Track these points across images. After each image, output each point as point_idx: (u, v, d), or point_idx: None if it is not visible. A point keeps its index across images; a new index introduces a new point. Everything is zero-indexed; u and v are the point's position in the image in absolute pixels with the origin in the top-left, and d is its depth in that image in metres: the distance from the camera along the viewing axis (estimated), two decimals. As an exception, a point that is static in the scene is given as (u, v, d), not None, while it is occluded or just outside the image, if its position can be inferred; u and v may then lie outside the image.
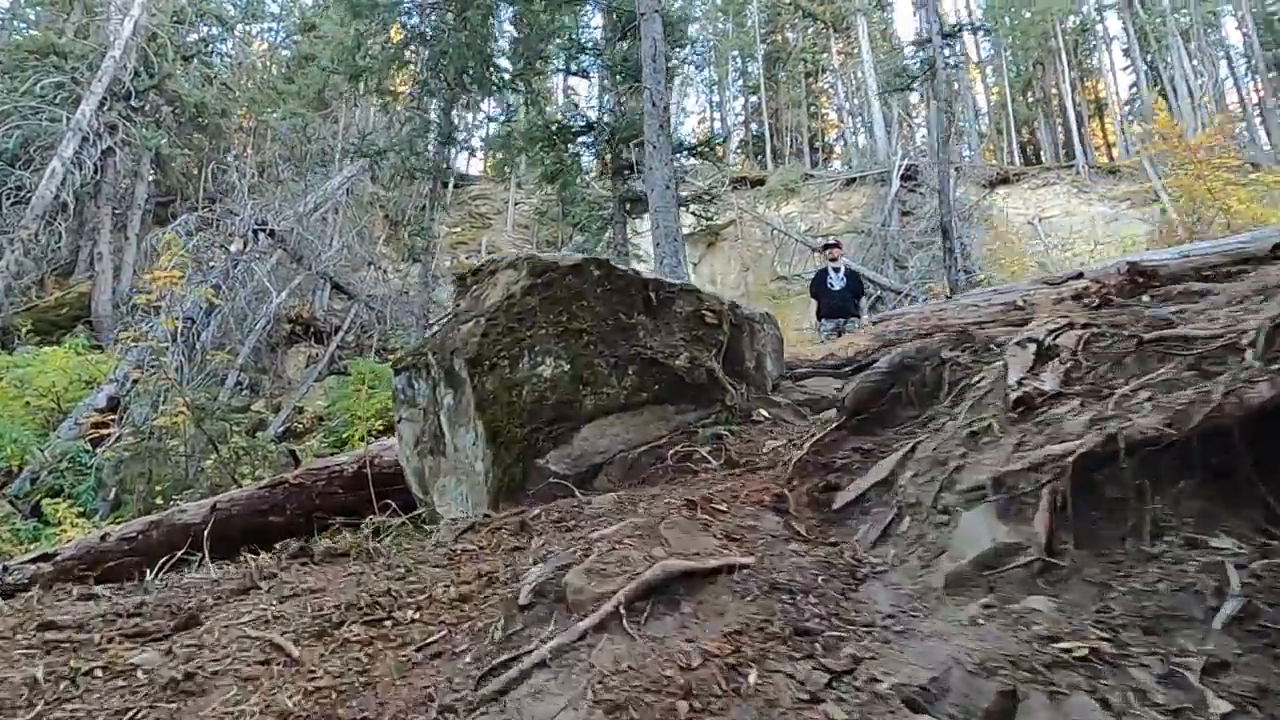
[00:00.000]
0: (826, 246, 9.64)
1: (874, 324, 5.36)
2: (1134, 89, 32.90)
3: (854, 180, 29.10)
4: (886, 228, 26.43)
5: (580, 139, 14.52)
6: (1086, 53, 35.15)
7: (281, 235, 18.58)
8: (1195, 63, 29.98)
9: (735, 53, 38.71)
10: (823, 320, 9.24)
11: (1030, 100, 34.31)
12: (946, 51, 11.43)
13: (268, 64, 30.28)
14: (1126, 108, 31.50)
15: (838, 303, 9.16)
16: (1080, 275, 4.47)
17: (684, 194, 15.21)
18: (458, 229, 30.10)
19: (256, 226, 15.84)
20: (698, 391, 3.07)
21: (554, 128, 13.84)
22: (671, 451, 2.75)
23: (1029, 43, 31.57)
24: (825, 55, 35.26)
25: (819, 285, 9.40)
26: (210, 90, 24.63)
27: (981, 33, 31.48)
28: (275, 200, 19.97)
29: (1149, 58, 30.95)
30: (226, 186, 24.46)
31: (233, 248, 16.40)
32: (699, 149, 14.25)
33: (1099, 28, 32.50)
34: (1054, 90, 34.65)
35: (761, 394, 3.42)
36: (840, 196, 29.61)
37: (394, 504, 3.76)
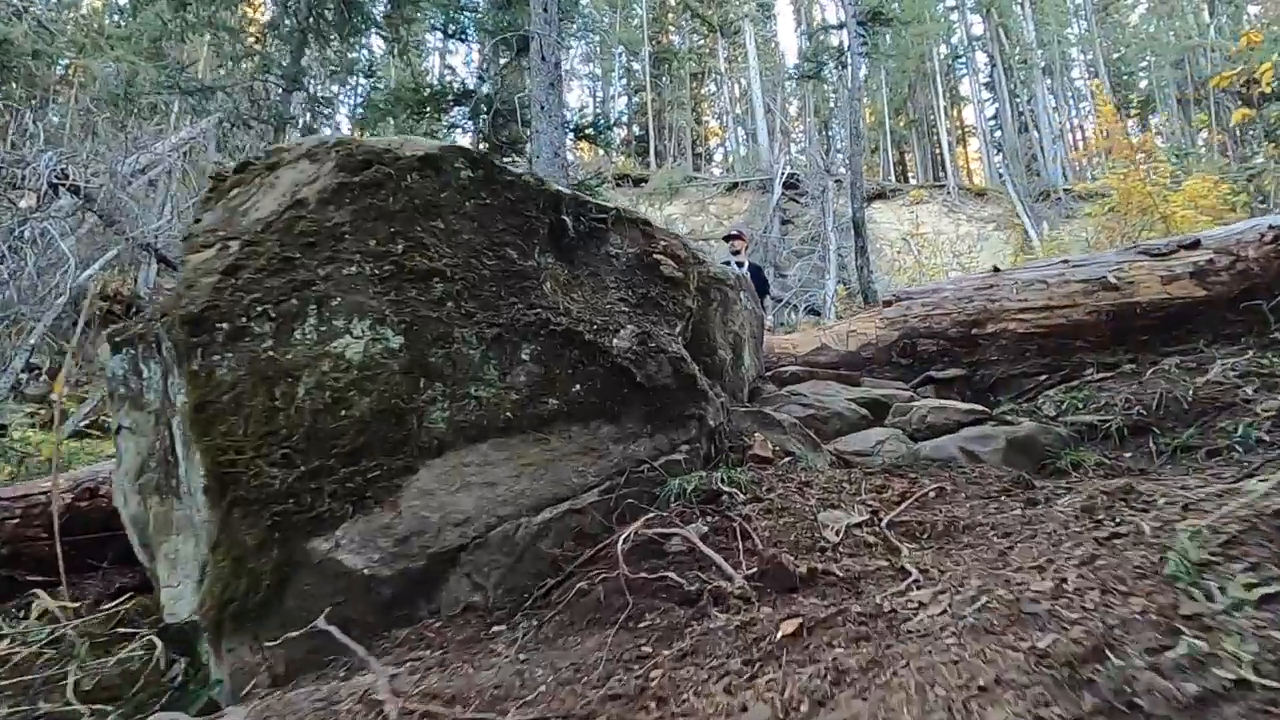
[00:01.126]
0: (729, 237, 8.49)
1: (887, 304, 4.17)
2: (995, 120, 34.48)
3: (737, 185, 28.71)
4: (768, 234, 26.05)
5: (457, 108, 12.75)
6: (956, 81, 36.61)
7: (89, 194, 15.63)
8: (1053, 99, 31.72)
9: (620, 49, 37.68)
10: (730, 317, 8.17)
11: (905, 122, 35.31)
12: (860, 41, 10.75)
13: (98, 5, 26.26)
14: (997, 134, 32.88)
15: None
16: (1196, 243, 3.36)
17: (570, 179, 13.75)
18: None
19: (55, 180, 12.95)
20: (654, 399, 1.74)
21: (426, 92, 12.02)
22: (621, 537, 1.37)
23: (906, 65, 32.36)
24: (712, 59, 34.83)
25: (724, 276, 8.33)
26: (19, 27, 20.76)
27: (886, 27, 31.92)
28: (84, 155, 16.83)
29: (1012, 87, 32.44)
30: (30, 138, 20.71)
31: (22, 204, 13.43)
32: (586, 131, 12.85)
33: (966, 58, 33.83)
34: (928, 113, 35.86)
35: (744, 403, 2.10)
36: (723, 201, 29.17)
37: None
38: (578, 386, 1.77)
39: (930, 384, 3.43)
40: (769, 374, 3.03)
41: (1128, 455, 2.21)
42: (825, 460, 2.20)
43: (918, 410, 2.74)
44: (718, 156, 39.16)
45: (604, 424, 1.78)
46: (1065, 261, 3.75)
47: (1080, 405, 2.57)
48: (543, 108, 7.29)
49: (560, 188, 2.20)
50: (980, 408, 2.78)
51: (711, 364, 2.28)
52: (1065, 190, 27.68)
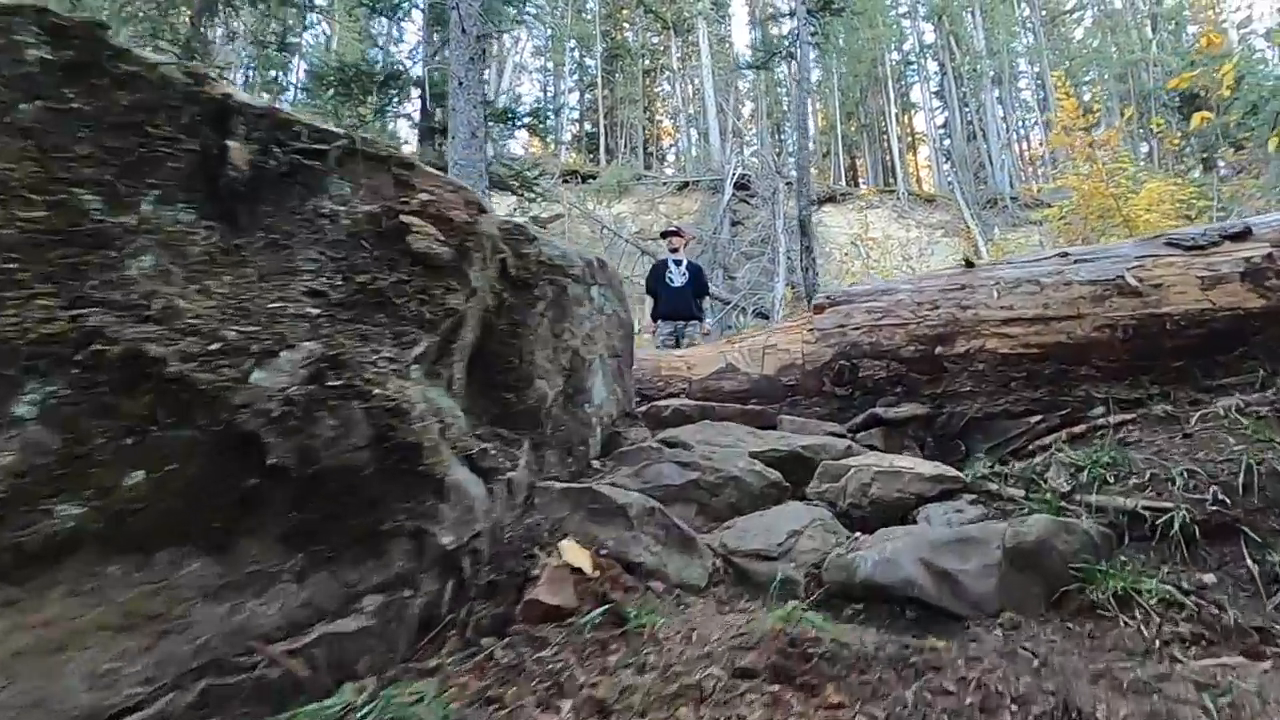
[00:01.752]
0: (666, 233, 7.60)
1: (819, 310, 3.21)
2: (945, 127, 34.46)
3: (687, 185, 27.96)
4: (718, 235, 25.33)
5: (386, 90, 11.60)
6: (907, 87, 36.51)
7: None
8: (1000, 109, 31.73)
9: (573, 44, 36.68)
10: (660, 323, 7.21)
11: (856, 126, 35.00)
12: (810, 31, 9.98)
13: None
14: (946, 142, 32.77)
15: (678, 302, 7.19)
16: (1247, 233, 2.39)
17: (506, 169, 12.74)
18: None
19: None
20: (317, 499, 0.82)
21: (350, 72, 10.86)
22: None
23: (858, 69, 32.02)
24: (665, 55, 34.05)
25: (656, 279, 7.38)
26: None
27: (836, 16, 31.55)
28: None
29: (961, 95, 32.35)
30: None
31: None
32: (526, 120, 11.82)
33: (918, 64, 33.68)
34: (879, 119, 35.65)
35: (588, 464, 1.18)
36: (673, 200, 28.42)
37: None
38: (137, 476, 0.80)
39: (877, 425, 2.51)
40: (644, 409, 2.10)
41: (1209, 580, 1.33)
42: (701, 570, 1.29)
43: (856, 475, 1.82)
44: (670, 157, 38.43)
45: (192, 556, 0.82)
46: (1064, 255, 2.73)
47: (1108, 475, 1.69)
48: (461, 84, 6.28)
49: (234, 94, 1.21)
50: (950, 471, 1.87)
51: (518, 406, 1.36)
52: (1012, 198, 27.59)
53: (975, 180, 29.75)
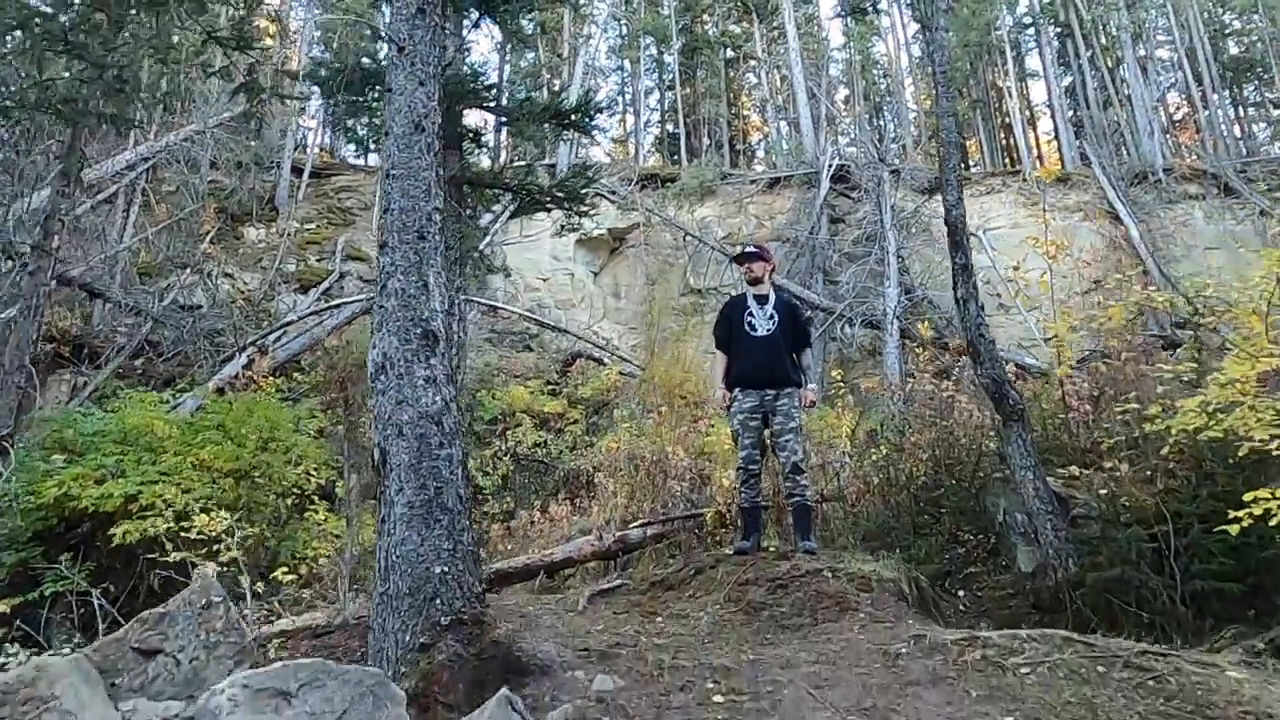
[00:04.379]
0: (743, 256, 5.28)
1: None
2: (1071, 95, 30.40)
3: (778, 181, 25.37)
4: (815, 236, 22.66)
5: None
6: (1024, 55, 32.59)
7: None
8: (1140, 70, 27.50)
9: (649, 40, 34.72)
10: (738, 392, 4.93)
11: (968, 103, 31.35)
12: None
13: None
14: (1072, 112, 28.78)
15: (765, 359, 4.88)
16: None
17: (556, 184, 10.74)
18: (311, 225, 24.81)
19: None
20: None
21: (360, 67, 9.10)
22: None
23: (968, 38, 28.46)
24: (748, 43, 31.54)
25: (729, 325, 5.11)
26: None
27: None
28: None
29: (1091, 56, 28.33)
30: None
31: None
32: (569, 116, 9.75)
33: (1037, 25, 29.73)
34: (992, 93, 31.95)
35: None
36: (763, 200, 25.88)
37: None
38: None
39: None
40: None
41: None
42: None
43: None
44: (760, 153, 35.85)
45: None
46: None
47: None
48: (402, 50, 4.16)
49: None
50: None
51: None
52: (1166, 170, 23.54)
53: (1116, 153, 25.76)
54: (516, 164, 24.68)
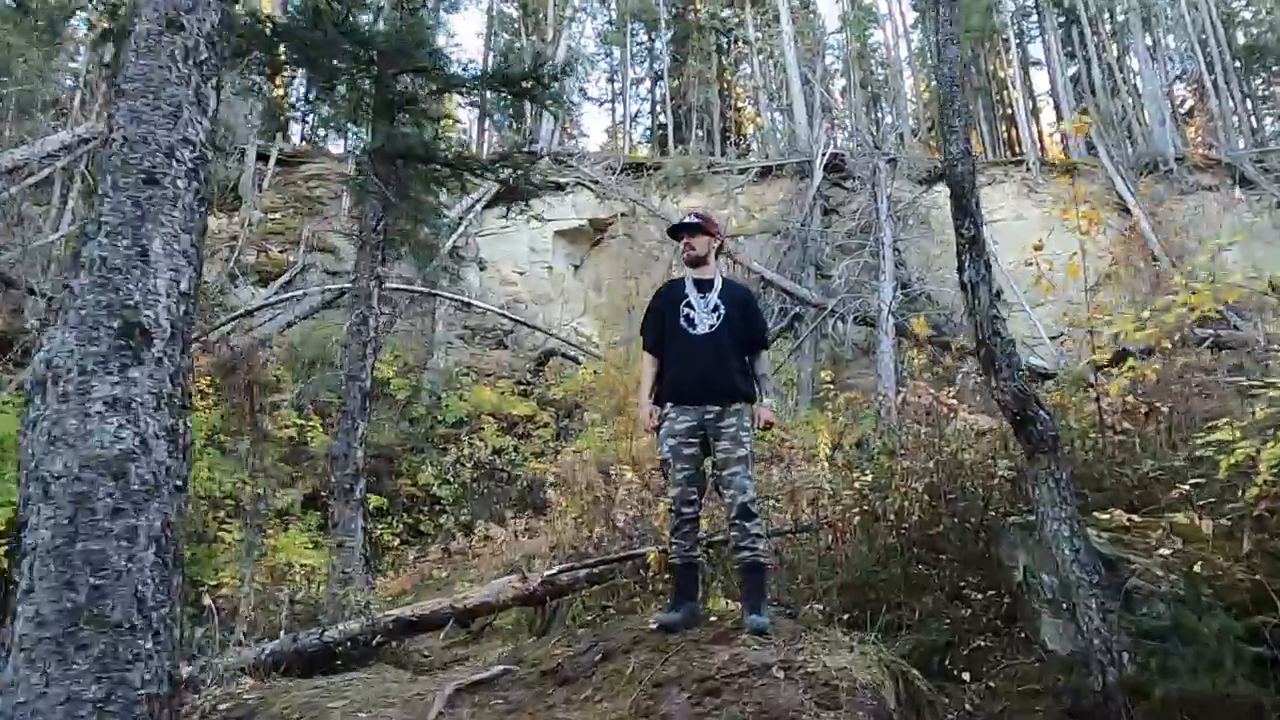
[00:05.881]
0: (679, 228, 3.98)
1: None
2: (1077, 83, 29.19)
3: (769, 171, 24.15)
4: (807, 227, 21.47)
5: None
6: (1027, 42, 31.41)
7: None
8: (1149, 58, 26.32)
9: (639, 26, 33.51)
10: (670, 410, 3.68)
11: (967, 91, 30.05)
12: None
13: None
14: (1079, 101, 27.56)
15: (707, 365, 3.62)
16: None
17: (498, 159, 9.60)
18: (276, 215, 23.52)
19: None
20: None
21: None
22: None
23: (970, 21, 27.17)
24: (740, 28, 30.27)
25: (659, 321, 3.84)
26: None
27: None
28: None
29: (1097, 43, 27.14)
30: None
31: None
32: (518, 84, 8.51)
33: (1042, 9, 28.50)
34: (994, 82, 30.77)
35: None
36: (753, 191, 24.69)
37: None
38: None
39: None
40: None
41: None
42: None
43: None
44: (755, 147, 34.56)
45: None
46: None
47: None
48: None
49: None
50: None
51: None
52: (1178, 160, 22.31)
53: (1125, 142, 24.53)
54: (498, 150, 23.42)
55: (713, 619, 3.54)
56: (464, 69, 8.49)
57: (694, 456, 3.57)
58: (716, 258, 3.83)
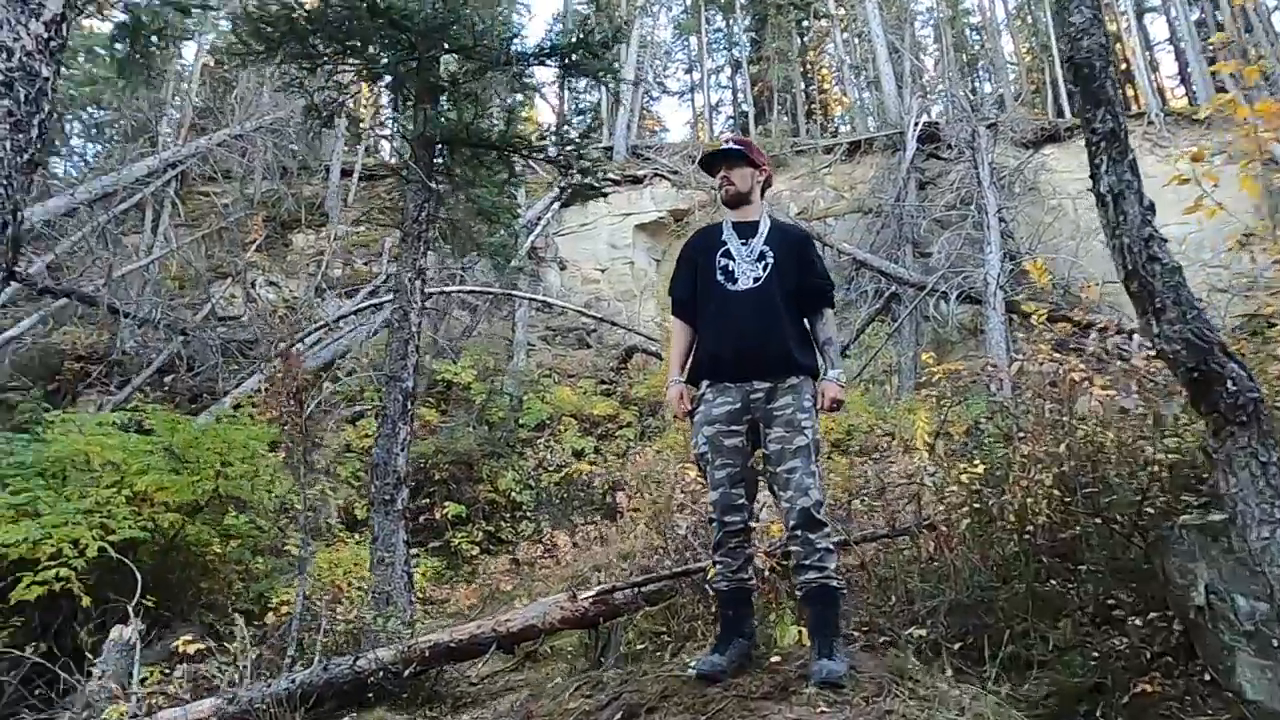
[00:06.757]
0: (713, 157, 3.14)
1: None
2: (1202, 27, 26.32)
3: (858, 148, 22.85)
4: (902, 203, 20.07)
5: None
6: (1141, -14, 28.65)
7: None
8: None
9: (714, 11, 32.75)
10: (705, 389, 2.87)
11: (1076, 45, 27.60)
12: None
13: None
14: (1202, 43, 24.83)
15: (749, 328, 2.78)
16: None
17: (555, 141, 9.05)
18: (360, 228, 24.00)
19: None
20: None
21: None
22: None
23: (1074, -32, 24.85)
24: (820, 1, 28.96)
25: (695, 274, 3.03)
26: None
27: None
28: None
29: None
30: None
31: None
32: (568, 55, 7.90)
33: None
34: (1109, 24, 28.13)
35: None
36: (842, 170, 23.47)
37: None
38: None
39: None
40: None
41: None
42: None
43: None
44: (845, 128, 33.01)
45: None
46: None
47: None
48: None
49: None
50: None
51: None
52: (1331, 99, 19.51)
53: (1265, 83, 21.74)
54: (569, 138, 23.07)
55: (773, 659, 2.70)
56: (504, 45, 7.91)
57: (739, 449, 2.74)
58: (762, 195, 3.00)
